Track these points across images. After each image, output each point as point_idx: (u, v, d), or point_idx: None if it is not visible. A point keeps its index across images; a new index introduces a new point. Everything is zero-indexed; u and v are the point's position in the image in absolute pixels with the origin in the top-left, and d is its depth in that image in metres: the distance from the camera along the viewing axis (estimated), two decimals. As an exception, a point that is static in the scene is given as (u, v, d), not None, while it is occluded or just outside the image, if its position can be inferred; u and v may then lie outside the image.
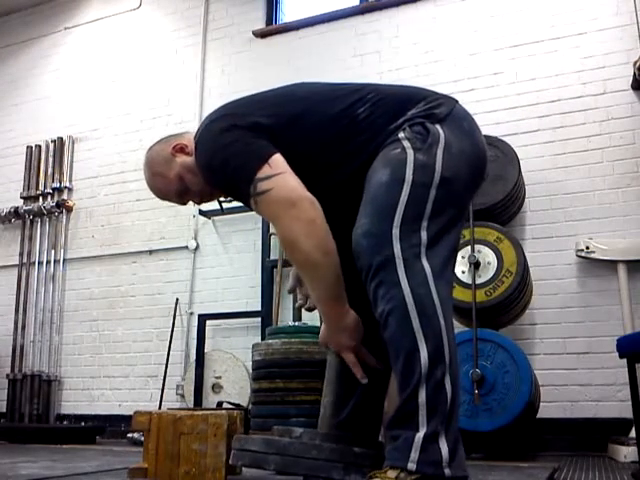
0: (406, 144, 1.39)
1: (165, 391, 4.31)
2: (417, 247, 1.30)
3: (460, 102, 1.52)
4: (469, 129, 1.48)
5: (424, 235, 1.32)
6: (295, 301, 3.19)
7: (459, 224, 1.46)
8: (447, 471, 1.20)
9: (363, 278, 1.32)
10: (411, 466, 1.18)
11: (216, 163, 1.46)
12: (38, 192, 5.19)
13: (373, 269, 1.29)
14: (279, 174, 1.38)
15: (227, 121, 1.48)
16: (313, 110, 1.49)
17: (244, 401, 3.98)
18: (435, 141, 1.39)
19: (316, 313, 1.65)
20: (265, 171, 1.38)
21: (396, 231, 1.30)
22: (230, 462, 1.42)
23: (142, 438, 1.74)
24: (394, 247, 1.29)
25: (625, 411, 3.12)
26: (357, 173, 1.44)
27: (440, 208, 1.36)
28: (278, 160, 1.41)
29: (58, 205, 5.04)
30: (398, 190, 1.34)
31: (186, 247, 4.64)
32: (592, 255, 3.50)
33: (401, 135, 1.41)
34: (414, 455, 1.19)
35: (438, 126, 1.42)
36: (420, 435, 1.20)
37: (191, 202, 1.71)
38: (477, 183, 1.51)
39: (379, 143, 1.43)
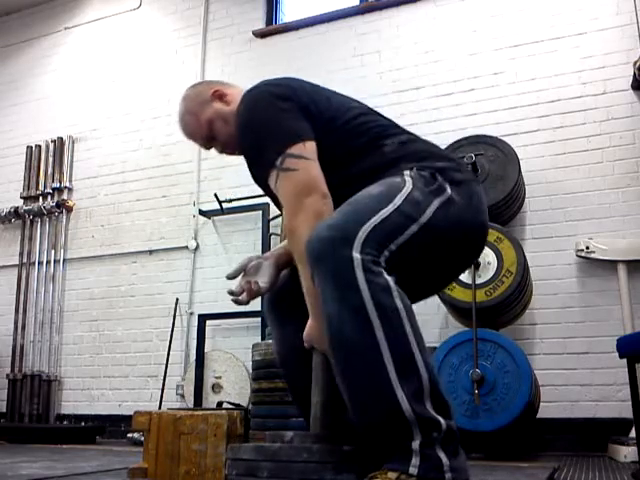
0: (408, 179, 1.37)
1: (165, 391, 4.31)
2: (377, 258, 1.24)
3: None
4: (476, 205, 1.43)
5: (386, 254, 1.26)
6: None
7: (425, 283, 1.41)
8: (448, 475, 1.19)
9: (315, 273, 1.26)
10: (413, 470, 1.16)
11: (257, 121, 1.46)
12: (38, 192, 5.19)
13: (329, 270, 1.23)
14: (309, 159, 1.38)
15: (284, 91, 1.48)
16: (351, 125, 1.49)
17: (244, 401, 3.98)
18: (437, 192, 1.36)
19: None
20: (299, 149, 1.38)
21: (362, 234, 1.24)
22: (225, 473, 1.41)
23: (142, 438, 1.74)
24: (354, 245, 1.22)
25: (625, 411, 3.12)
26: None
27: (415, 247, 1.30)
28: (313, 147, 1.41)
29: (58, 205, 5.04)
30: (382, 205, 1.30)
31: (186, 247, 4.64)
32: (592, 255, 3.50)
33: (406, 172, 1.39)
34: (415, 460, 1.17)
35: (447, 185, 1.38)
36: (417, 444, 1.17)
37: (214, 152, 1.68)
38: (465, 260, 1.47)
39: (384, 174, 1.41)
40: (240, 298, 1.56)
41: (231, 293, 1.57)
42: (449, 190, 1.37)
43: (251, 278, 1.58)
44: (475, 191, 1.44)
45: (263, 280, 1.56)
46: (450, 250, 1.39)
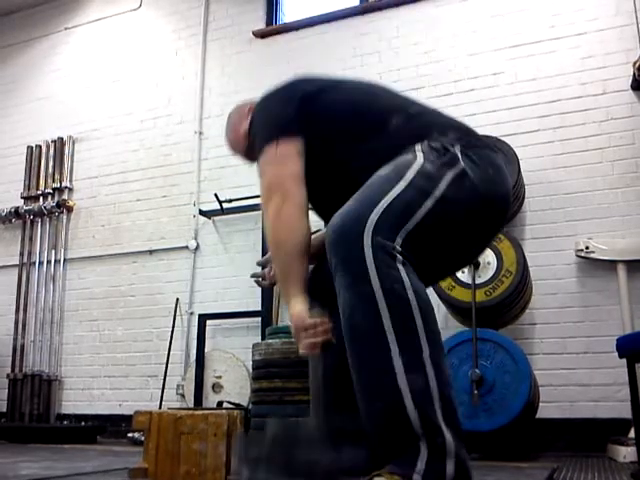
0: (419, 154, 1.34)
1: (165, 391, 4.31)
2: (392, 242, 1.21)
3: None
4: (493, 177, 1.37)
5: (403, 235, 1.23)
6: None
7: (445, 262, 1.38)
8: None
9: (332, 263, 1.25)
10: (416, 477, 1.11)
11: (257, 115, 1.60)
12: (39, 192, 5.20)
13: (341, 258, 1.22)
14: (277, 161, 1.45)
15: (288, 85, 1.59)
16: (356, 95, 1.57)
17: (244, 401, 3.99)
18: (450, 164, 1.31)
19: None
20: (270, 152, 1.46)
21: (374, 217, 1.21)
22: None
23: (142, 438, 1.74)
24: (365, 233, 1.20)
25: (624, 411, 3.12)
26: (360, 172, 1.38)
27: (432, 223, 1.26)
28: (287, 146, 1.46)
29: (58, 205, 5.04)
30: (392, 183, 1.28)
31: (186, 247, 4.65)
32: (592, 255, 3.50)
33: (417, 147, 1.36)
34: (420, 466, 1.11)
35: (460, 156, 1.33)
36: (424, 447, 1.12)
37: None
38: (486, 235, 1.43)
39: (394, 153, 1.37)
40: (262, 281, 1.73)
41: (254, 275, 1.76)
42: (462, 162, 1.32)
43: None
44: (491, 161, 1.39)
45: None
46: (468, 225, 1.34)
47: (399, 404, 1.12)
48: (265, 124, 1.54)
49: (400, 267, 1.19)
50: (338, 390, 1.42)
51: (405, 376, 1.12)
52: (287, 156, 1.45)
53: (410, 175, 1.29)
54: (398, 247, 1.21)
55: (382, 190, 1.26)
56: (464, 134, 1.43)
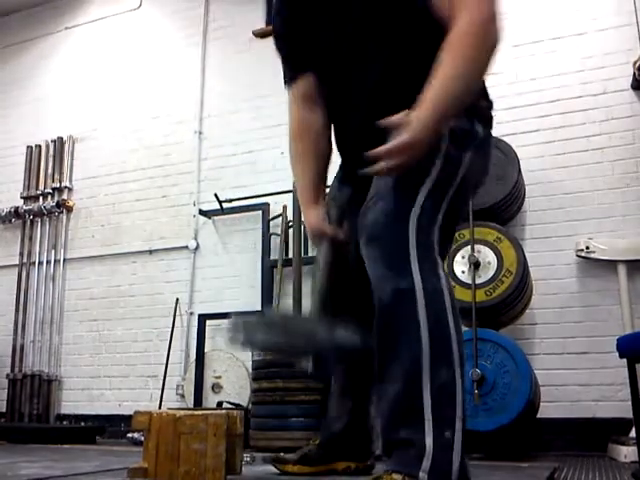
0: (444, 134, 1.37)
1: (165, 391, 4.31)
2: (432, 234, 1.27)
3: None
4: (489, 153, 1.52)
5: (434, 233, 1.29)
6: (294, 301, 3.18)
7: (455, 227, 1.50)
8: None
9: (370, 255, 1.27)
10: (422, 475, 1.12)
11: None
12: (38, 192, 5.20)
13: (384, 254, 1.24)
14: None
15: None
16: None
17: (244, 401, 3.99)
18: (468, 144, 1.39)
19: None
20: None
21: (414, 215, 1.26)
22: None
23: (142, 438, 1.74)
24: (409, 231, 1.23)
25: (625, 411, 3.11)
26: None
27: (454, 205, 1.36)
28: None
29: (58, 205, 5.04)
30: (424, 175, 1.31)
31: (186, 247, 4.64)
32: (592, 255, 3.50)
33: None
34: (426, 464, 1.13)
35: (480, 128, 1.42)
36: (430, 442, 1.15)
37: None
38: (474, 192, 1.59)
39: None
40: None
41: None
42: (480, 131, 1.41)
43: None
44: (491, 141, 1.50)
45: None
46: (472, 188, 1.49)
47: (417, 390, 1.16)
48: None
49: (439, 263, 1.25)
50: (343, 292, 1.51)
51: (430, 369, 1.17)
52: None
53: (438, 164, 1.32)
54: (435, 244, 1.27)
55: (416, 183, 1.29)
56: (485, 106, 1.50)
